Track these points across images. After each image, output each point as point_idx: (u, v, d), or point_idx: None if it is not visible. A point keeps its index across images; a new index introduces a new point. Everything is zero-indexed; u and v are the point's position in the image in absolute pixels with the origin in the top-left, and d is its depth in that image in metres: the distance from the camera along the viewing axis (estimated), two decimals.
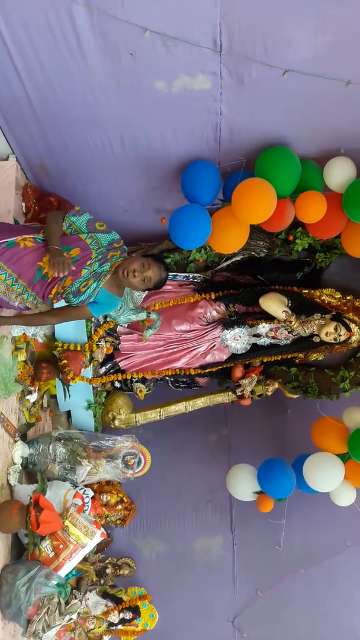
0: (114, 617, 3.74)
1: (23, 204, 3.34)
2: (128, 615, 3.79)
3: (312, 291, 3.60)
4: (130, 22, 2.45)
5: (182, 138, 3.05)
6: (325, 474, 3.42)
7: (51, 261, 2.45)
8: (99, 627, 3.64)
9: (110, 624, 3.73)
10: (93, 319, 3.44)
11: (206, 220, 3.06)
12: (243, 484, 3.66)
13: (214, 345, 3.65)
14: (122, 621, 3.77)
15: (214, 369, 3.71)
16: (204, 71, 2.67)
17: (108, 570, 3.87)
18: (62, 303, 2.76)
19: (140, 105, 2.86)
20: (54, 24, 2.51)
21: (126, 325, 3.55)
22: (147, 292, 3.38)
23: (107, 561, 3.93)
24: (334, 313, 3.59)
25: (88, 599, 3.70)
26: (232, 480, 3.70)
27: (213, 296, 3.61)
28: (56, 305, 2.96)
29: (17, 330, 3.06)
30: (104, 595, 3.80)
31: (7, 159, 3.28)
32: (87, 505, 3.14)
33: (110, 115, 2.93)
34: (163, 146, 3.09)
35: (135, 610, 3.81)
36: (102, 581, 3.82)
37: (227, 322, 3.59)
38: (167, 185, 3.32)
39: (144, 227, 3.67)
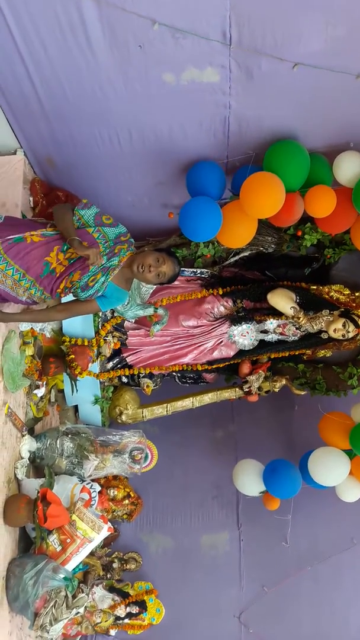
0: (121, 611, 3.76)
1: (31, 198, 3.34)
2: (135, 610, 3.80)
3: (321, 287, 3.58)
4: (139, 15, 2.43)
5: (190, 132, 3.04)
6: (329, 468, 3.41)
7: (81, 251, 2.45)
8: (105, 621, 3.65)
9: (117, 618, 3.74)
10: (100, 314, 3.44)
11: (217, 212, 3.03)
12: (250, 480, 3.66)
13: (221, 341, 3.64)
14: (129, 615, 3.78)
15: (221, 365, 3.70)
16: (213, 64, 2.65)
17: (115, 565, 3.89)
18: (69, 297, 2.76)
19: (148, 98, 2.85)
20: (62, 17, 2.50)
21: (133, 320, 3.55)
22: (156, 286, 3.38)
23: (113, 555, 3.94)
24: (343, 309, 3.57)
25: (95, 592, 3.72)
26: (239, 475, 3.70)
27: (221, 292, 3.60)
28: (64, 300, 2.96)
29: (24, 325, 3.06)
30: (111, 589, 3.82)
31: (15, 153, 3.28)
32: (94, 500, 3.14)
33: (118, 109, 2.92)
34: (171, 140, 3.08)
35: (142, 605, 3.83)
36: (108, 575, 3.84)
37: (234, 318, 3.58)
38: (175, 179, 3.31)
39: (151, 222, 3.66)
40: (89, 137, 3.10)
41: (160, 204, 3.54)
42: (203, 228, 3.06)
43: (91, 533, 2.89)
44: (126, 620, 3.76)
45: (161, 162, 3.22)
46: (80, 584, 3.41)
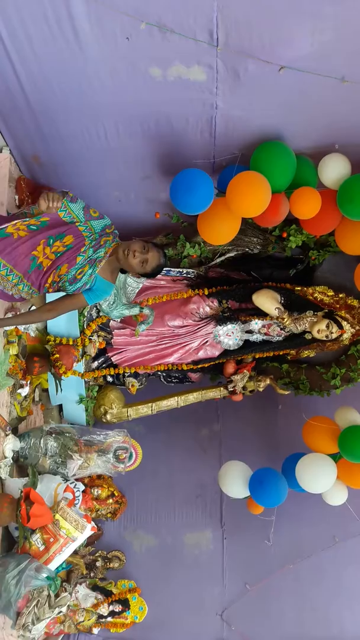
0: (104, 610, 3.76)
1: (16, 197, 3.32)
2: (117, 608, 3.81)
3: (305, 288, 3.61)
4: (127, 14, 2.43)
5: (176, 128, 3.04)
6: (318, 476, 3.42)
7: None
8: (88, 620, 3.66)
9: (100, 616, 3.75)
10: (86, 314, 3.43)
11: (208, 184, 2.97)
12: (235, 482, 3.65)
13: (207, 341, 3.66)
14: (112, 614, 3.79)
15: (206, 365, 3.72)
16: (200, 62, 2.67)
17: (98, 564, 3.89)
18: (55, 295, 2.75)
19: (135, 92, 2.84)
20: (49, 11, 2.49)
21: (119, 320, 3.55)
22: (141, 284, 3.37)
23: (97, 554, 3.95)
24: (327, 310, 3.60)
25: (78, 591, 3.71)
26: (225, 478, 3.69)
27: (206, 292, 3.61)
28: (51, 296, 2.94)
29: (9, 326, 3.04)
30: (94, 588, 3.82)
31: (0, 151, 3.26)
32: (78, 499, 3.14)
33: (105, 103, 2.91)
34: (158, 135, 3.08)
35: (125, 603, 3.84)
36: (92, 574, 3.84)
37: (220, 318, 3.59)
38: (162, 173, 3.32)
39: (138, 218, 3.65)
40: (76, 131, 3.09)
41: (146, 199, 3.54)
42: (194, 200, 2.98)
43: (74, 532, 2.89)
44: (109, 619, 3.77)
45: (148, 156, 3.22)
46: (64, 583, 3.40)
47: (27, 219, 2.56)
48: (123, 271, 2.85)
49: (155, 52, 2.63)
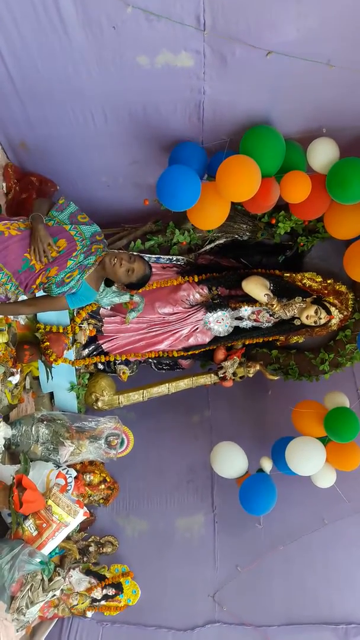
0: (97, 594, 3.81)
1: (4, 184, 3.30)
2: (111, 592, 3.86)
3: (294, 275, 3.63)
4: None
5: (164, 114, 3.04)
6: (307, 459, 3.47)
7: (34, 240, 2.47)
8: (82, 603, 3.70)
9: (94, 600, 3.80)
10: None
11: (195, 180, 2.96)
12: (227, 462, 3.69)
13: (197, 328, 3.68)
14: (105, 597, 3.84)
15: (196, 352, 3.74)
16: (187, 49, 2.65)
17: (91, 549, 3.93)
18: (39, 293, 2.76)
19: (122, 79, 2.83)
20: None
21: (109, 307, 3.55)
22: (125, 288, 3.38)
23: (90, 539, 3.98)
24: (315, 296, 3.63)
25: (71, 576, 3.75)
26: (217, 457, 3.73)
27: (196, 279, 3.62)
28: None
29: None
30: (87, 572, 3.86)
31: None
32: (70, 485, 3.17)
33: (93, 89, 2.89)
34: (145, 120, 3.07)
35: (118, 587, 3.88)
36: (85, 559, 3.88)
37: (209, 305, 3.61)
38: (150, 158, 3.31)
39: (126, 204, 3.65)
40: (63, 117, 3.07)
41: (134, 184, 3.53)
42: (181, 197, 2.97)
43: (67, 517, 2.92)
44: (102, 602, 3.81)
45: (136, 141, 3.21)
46: (57, 568, 3.44)
47: (15, 221, 2.57)
48: (108, 283, 2.92)
49: (142, 40, 2.61)
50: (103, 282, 3.07)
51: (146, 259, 2.96)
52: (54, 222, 2.63)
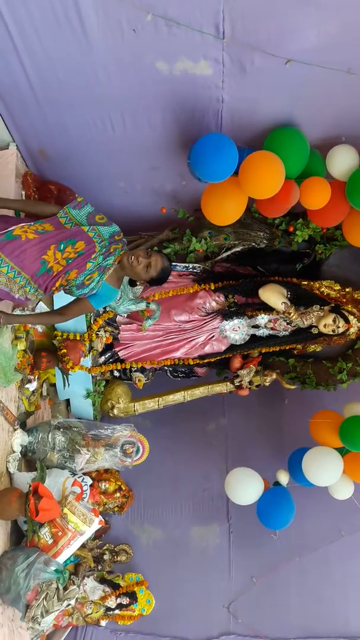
0: (111, 602, 3.79)
1: (23, 193, 3.32)
2: (125, 601, 3.84)
3: (312, 283, 3.60)
4: (134, 5, 2.42)
5: (183, 121, 3.03)
6: (324, 469, 3.42)
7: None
8: (96, 612, 3.69)
9: (108, 609, 3.78)
10: None
11: (233, 148, 2.88)
12: (242, 489, 3.62)
13: (213, 336, 3.66)
14: (119, 606, 3.82)
15: (212, 360, 3.72)
16: (206, 57, 2.65)
17: (106, 557, 3.92)
18: (60, 295, 2.78)
19: (141, 84, 2.84)
20: (56, 3, 2.48)
21: (125, 315, 3.55)
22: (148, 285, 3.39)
23: (104, 547, 3.97)
24: (333, 305, 3.59)
25: (86, 584, 3.75)
26: (231, 485, 3.64)
27: (213, 287, 3.61)
28: (57, 296, 2.96)
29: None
30: (102, 580, 3.85)
31: (7, 147, 3.26)
32: (86, 493, 3.16)
33: (112, 95, 2.91)
34: (164, 126, 3.07)
35: (132, 596, 3.86)
36: (99, 567, 3.87)
37: (226, 313, 3.59)
38: (168, 165, 3.31)
39: (144, 211, 3.66)
40: (82, 123, 3.09)
41: (152, 191, 3.53)
42: (217, 166, 2.88)
43: (82, 526, 2.91)
44: (117, 611, 3.80)
45: (154, 148, 3.21)
46: (72, 576, 3.43)
47: (33, 224, 2.57)
48: (132, 283, 2.97)
49: (162, 46, 2.62)
50: (127, 283, 3.10)
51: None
52: (72, 224, 2.62)
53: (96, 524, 2.98)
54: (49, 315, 2.95)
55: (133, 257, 2.63)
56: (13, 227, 2.52)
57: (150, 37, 2.57)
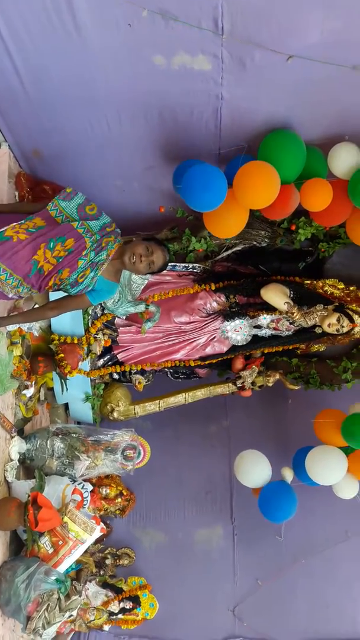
0: (114, 607, 3.76)
1: (16, 193, 3.24)
2: (128, 605, 3.80)
3: (315, 282, 3.52)
4: (128, 0, 2.33)
5: (181, 119, 2.96)
6: (328, 468, 3.38)
7: None
8: (99, 619, 3.65)
9: (111, 614, 3.74)
10: (90, 312, 3.37)
11: (222, 179, 2.86)
12: (252, 471, 3.56)
13: (214, 337, 3.59)
14: (123, 610, 3.78)
15: (214, 361, 3.65)
16: (205, 52, 2.57)
17: (108, 561, 3.88)
18: (57, 293, 2.72)
19: (138, 79, 2.76)
20: (48, 2, 2.40)
21: (124, 317, 3.48)
22: (146, 280, 3.32)
23: (106, 551, 3.93)
24: (337, 304, 3.51)
25: (88, 589, 3.71)
26: (241, 466, 3.59)
27: (213, 287, 3.53)
28: (52, 295, 2.90)
29: (12, 325, 2.99)
30: (104, 585, 3.81)
31: None
32: (86, 500, 3.11)
33: (107, 92, 2.83)
34: (162, 126, 3.01)
35: (136, 600, 3.82)
36: (101, 572, 3.83)
37: (227, 314, 3.52)
38: (165, 164, 3.24)
39: (141, 210, 3.59)
40: (77, 122, 3.02)
41: (149, 189, 3.46)
42: (207, 197, 2.86)
43: (83, 535, 2.86)
44: (120, 616, 3.76)
45: (151, 146, 3.15)
46: (74, 582, 3.39)
47: (24, 222, 2.50)
48: None
49: (159, 39, 2.54)
50: (127, 284, 3.03)
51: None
52: (62, 217, 2.55)
53: (97, 532, 2.95)
54: (41, 310, 2.78)
55: (135, 256, 2.57)
56: (4, 228, 2.47)
57: (146, 31, 2.49)
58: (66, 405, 3.65)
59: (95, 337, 3.40)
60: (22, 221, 2.51)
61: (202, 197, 2.87)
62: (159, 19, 2.42)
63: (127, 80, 2.76)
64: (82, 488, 3.10)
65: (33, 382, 3.18)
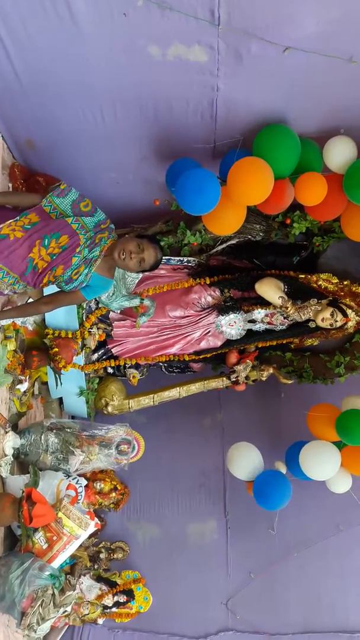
0: (108, 601, 3.76)
1: (10, 185, 3.20)
2: (122, 598, 3.81)
3: (309, 276, 3.51)
4: None
5: (176, 110, 2.93)
6: (321, 463, 3.39)
7: None
8: (93, 612, 3.65)
9: (105, 607, 3.75)
10: (85, 306, 3.35)
11: (215, 183, 2.86)
12: (244, 463, 3.57)
13: (209, 331, 3.58)
14: (117, 604, 3.79)
15: (208, 355, 3.64)
16: (201, 42, 2.54)
17: (102, 555, 3.87)
18: (52, 288, 2.72)
19: (133, 70, 2.72)
20: None
21: (119, 311, 3.46)
22: (141, 274, 3.30)
23: (100, 545, 3.93)
24: (331, 298, 3.52)
25: (82, 583, 3.70)
26: (233, 458, 3.60)
27: (208, 281, 3.51)
28: (46, 289, 2.88)
29: (5, 319, 2.96)
30: (98, 579, 3.81)
31: None
32: (81, 495, 3.10)
33: (103, 82, 2.79)
34: (157, 117, 2.97)
35: (129, 594, 3.83)
36: (95, 566, 3.83)
37: (222, 308, 3.51)
38: (160, 154, 3.22)
39: (136, 203, 3.56)
40: (71, 112, 2.98)
41: (144, 181, 3.43)
42: (202, 200, 2.85)
43: (78, 530, 2.85)
44: (114, 609, 3.77)
45: (146, 137, 3.12)
46: (68, 576, 3.38)
47: (19, 218, 2.48)
48: None
49: (154, 30, 2.50)
50: (121, 279, 3.00)
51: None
52: (56, 213, 2.53)
53: (92, 527, 2.94)
54: (35, 304, 2.74)
55: (125, 252, 2.55)
56: (0, 226, 2.45)
57: (141, 21, 2.45)
58: (60, 400, 3.62)
59: (89, 331, 3.38)
60: (18, 218, 2.49)
61: (196, 202, 2.87)
62: (155, 9, 2.38)
63: (122, 70, 2.72)
64: (77, 483, 3.09)
65: (27, 377, 3.16)
